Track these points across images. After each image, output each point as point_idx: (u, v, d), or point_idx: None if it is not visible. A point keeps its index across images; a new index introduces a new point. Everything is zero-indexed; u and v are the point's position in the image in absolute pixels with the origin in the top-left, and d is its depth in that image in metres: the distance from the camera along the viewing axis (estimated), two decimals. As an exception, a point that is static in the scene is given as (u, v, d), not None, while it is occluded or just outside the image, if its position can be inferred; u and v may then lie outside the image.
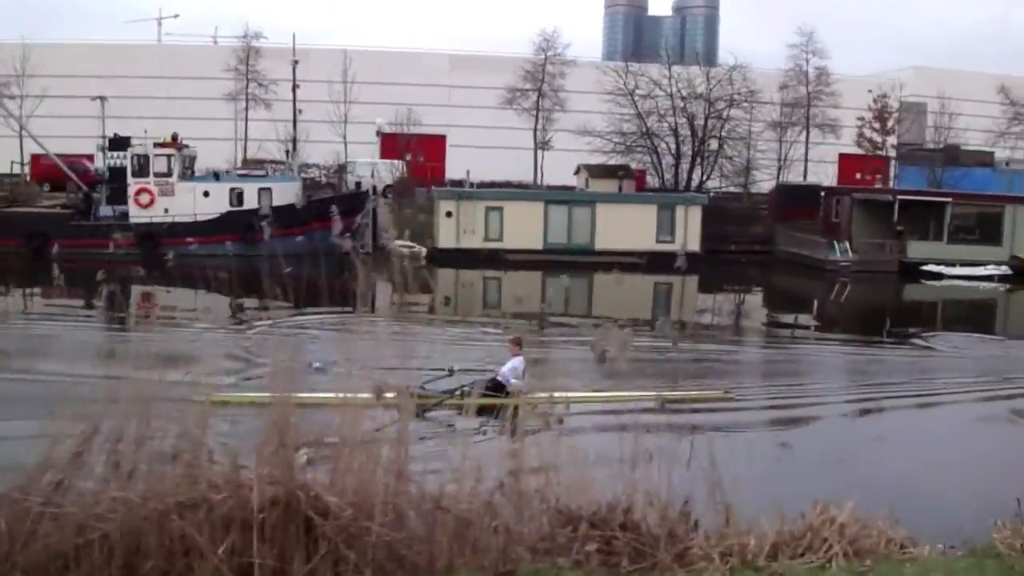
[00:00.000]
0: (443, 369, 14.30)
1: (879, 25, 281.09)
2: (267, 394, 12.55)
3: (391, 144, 63.61)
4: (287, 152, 48.73)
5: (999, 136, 58.73)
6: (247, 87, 51.51)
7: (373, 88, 63.43)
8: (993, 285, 40.27)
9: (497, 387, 13.46)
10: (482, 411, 11.71)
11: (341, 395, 12.35)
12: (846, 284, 39.33)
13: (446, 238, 40.14)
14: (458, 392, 13.23)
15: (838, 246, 40.69)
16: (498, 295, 37.16)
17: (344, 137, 48.87)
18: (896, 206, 41.75)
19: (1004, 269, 40.98)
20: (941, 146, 66.56)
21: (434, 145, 64.26)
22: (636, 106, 47.46)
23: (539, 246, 40.16)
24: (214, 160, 47.61)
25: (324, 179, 48.29)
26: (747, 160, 48.97)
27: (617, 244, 40.13)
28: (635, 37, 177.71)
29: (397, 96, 63.81)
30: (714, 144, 47.84)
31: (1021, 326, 31.30)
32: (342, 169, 48.38)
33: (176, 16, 70.36)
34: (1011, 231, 42.79)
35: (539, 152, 51.45)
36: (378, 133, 51.06)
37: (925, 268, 40.72)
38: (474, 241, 39.96)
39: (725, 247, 46.82)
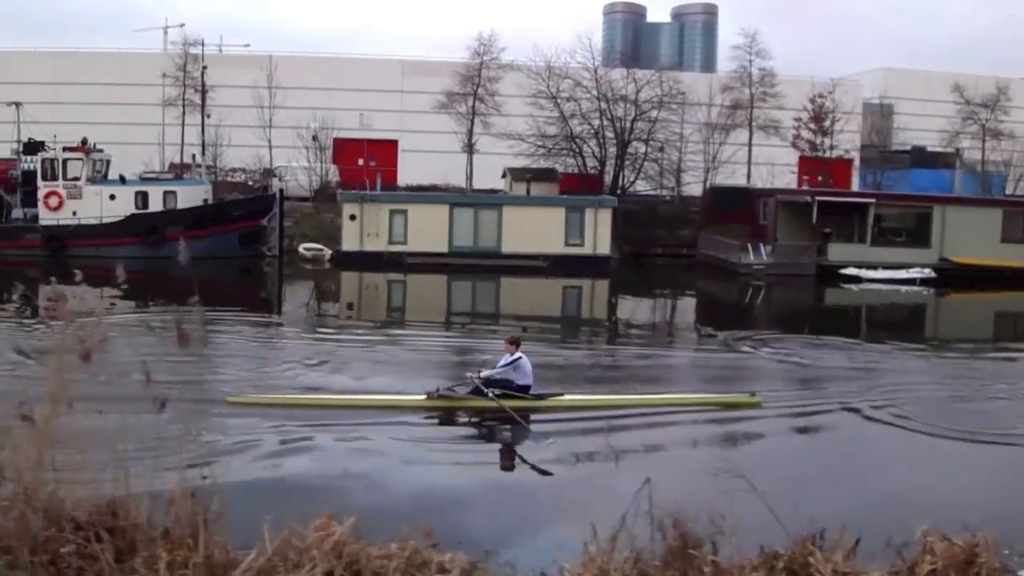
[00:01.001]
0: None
1: (883, 29, 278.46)
2: (285, 396, 13.72)
3: (345, 149, 63.68)
4: (212, 157, 48.43)
5: (954, 135, 57.16)
6: (183, 93, 51.12)
7: (327, 94, 63.32)
8: (916, 289, 38.85)
9: (505, 385, 13.92)
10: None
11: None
12: (760, 288, 38.14)
13: (350, 241, 39.39)
14: (489, 394, 13.68)
15: (751, 249, 39.41)
16: (402, 299, 36.42)
17: (269, 142, 48.24)
18: (815, 208, 40.41)
19: (928, 272, 39.52)
20: (907, 148, 65.64)
21: (386, 149, 64.18)
22: (559, 108, 46.50)
23: (444, 249, 39.31)
24: (142, 166, 47.36)
25: (252, 183, 47.69)
26: (677, 162, 47.85)
27: (524, 247, 39.31)
28: (633, 44, 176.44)
29: (351, 102, 63.75)
30: (641, 147, 46.69)
31: (904, 331, 29.82)
32: (268, 173, 47.80)
33: (182, 25, 70.68)
34: (941, 232, 41.30)
35: (473, 156, 50.61)
36: (314, 138, 50.38)
37: (844, 271, 39.38)
38: (378, 244, 39.17)
39: (652, 250, 45.97)
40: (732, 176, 52.61)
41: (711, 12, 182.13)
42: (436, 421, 13.84)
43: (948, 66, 60.02)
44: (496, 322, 28.92)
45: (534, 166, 46.68)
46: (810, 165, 62.93)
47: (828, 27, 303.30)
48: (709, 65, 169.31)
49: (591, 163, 46.76)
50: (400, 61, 66.58)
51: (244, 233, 39.91)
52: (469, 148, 48.15)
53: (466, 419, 13.95)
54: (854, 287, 38.64)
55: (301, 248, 40.92)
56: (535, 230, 39.40)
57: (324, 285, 37.66)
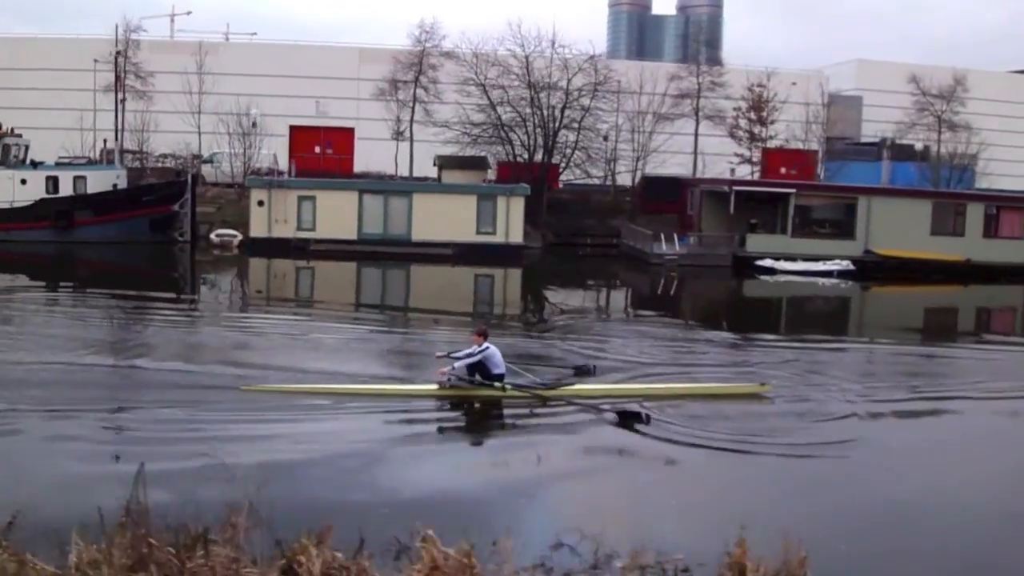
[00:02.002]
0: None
1: (897, 27, 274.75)
2: (300, 385, 14.27)
3: (301, 137, 63.32)
4: (139, 143, 48.24)
5: (909, 127, 55.76)
6: (124, 78, 50.83)
7: (284, 81, 63.03)
8: (834, 281, 37.76)
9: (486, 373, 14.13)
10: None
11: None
12: (667, 279, 37.17)
13: (258, 227, 38.93)
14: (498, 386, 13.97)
15: (663, 240, 38.51)
16: (310, 286, 35.94)
17: (198, 128, 47.87)
18: (732, 197, 39.42)
19: (846, 264, 38.40)
20: (876, 140, 64.26)
21: (342, 137, 63.73)
22: (487, 96, 45.70)
23: (353, 236, 38.77)
24: (75, 152, 47.20)
25: (183, 169, 47.29)
26: (610, 151, 46.95)
27: (435, 235, 38.71)
28: (639, 36, 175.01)
29: (307, 89, 63.43)
30: (571, 135, 45.80)
31: (758, 322, 28.87)
32: (196, 159, 47.46)
33: (189, 13, 70.54)
34: (866, 224, 40.16)
35: (413, 144, 49.90)
36: (253, 124, 49.92)
37: (759, 263, 38.37)
38: (286, 230, 38.70)
39: (580, 240, 45.21)
40: (682, 166, 51.67)
41: (716, 4, 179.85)
42: (449, 409, 14.25)
43: (952, 61, 58.36)
44: (405, 310, 28.83)
45: (464, 154, 45.93)
46: (779, 158, 62.03)
47: (840, 24, 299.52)
48: (714, 58, 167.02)
49: (521, 152, 45.81)
50: (358, 48, 66.13)
51: (155, 218, 39.58)
52: (398, 135, 47.43)
53: (477, 407, 14.27)
54: (768, 279, 37.63)
55: (212, 235, 40.51)
56: (446, 218, 38.77)
57: (222, 272, 37.25)
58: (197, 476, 9.56)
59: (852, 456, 12.55)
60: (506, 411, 14.26)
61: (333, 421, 13.26)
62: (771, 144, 49.56)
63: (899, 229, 40.00)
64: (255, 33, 76.92)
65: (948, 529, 10.16)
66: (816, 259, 38.81)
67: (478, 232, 39.09)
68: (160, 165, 47.12)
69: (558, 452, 12.51)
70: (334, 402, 13.83)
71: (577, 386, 14.74)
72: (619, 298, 35.24)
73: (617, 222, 45.28)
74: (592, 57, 45.85)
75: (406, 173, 49.40)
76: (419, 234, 38.76)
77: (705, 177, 44.71)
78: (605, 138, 50.44)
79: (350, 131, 62.66)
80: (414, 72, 50.09)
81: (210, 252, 39.81)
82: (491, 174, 46.38)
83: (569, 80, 45.57)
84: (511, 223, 39.16)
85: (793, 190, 40.21)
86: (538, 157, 45.60)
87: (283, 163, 55.59)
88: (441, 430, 13.76)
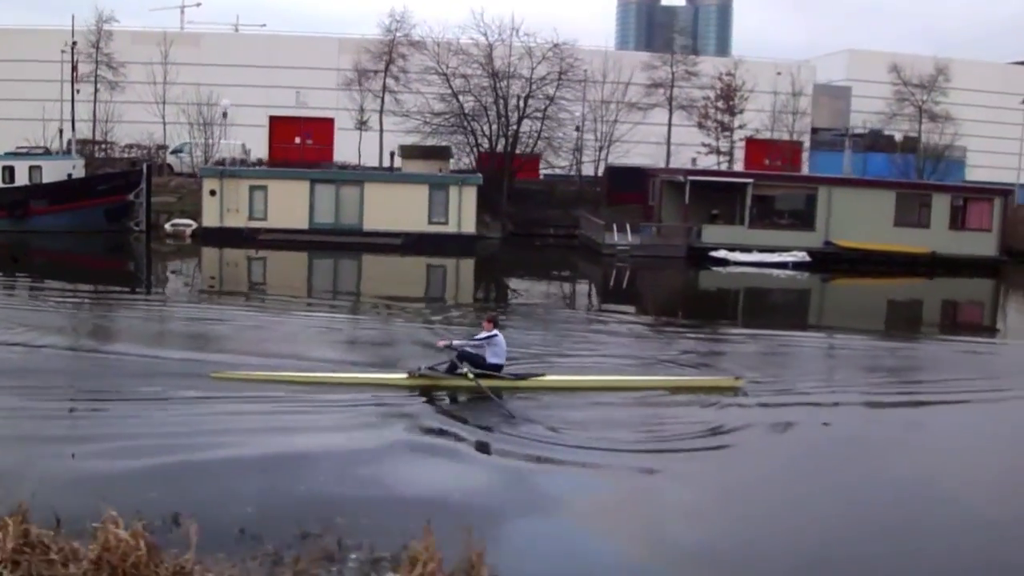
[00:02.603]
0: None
1: (915, 19, 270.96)
2: (271, 373, 14.26)
3: (281, 128, 63.27)
4: (103, 133, 48.27)
5: (890, 117, 54.73)
6: (77, 69, 50.86)
7: (263, 71, 62.90)
8: (790, 273, 37.08)
9: (476, 361, 13.94)
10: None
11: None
12: (620, 270, 36.69)
13: (210, 217, 38.78)
14: (463, 373, 13.78)
15: (616, 230, 38.01)
16: (263, 275, 35.80)
17: (163, 117, 47.80)
18: (687, 187, 38.83)
19: (801, 256, 37.72)
20: (865, 130, 63.21)
21: (322, 128, 63.58)
22: (450, 84, 45.28)
23: (304, 226, 38.58)
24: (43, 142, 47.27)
25: (150, 159, 47.27)
26: (575, 141, 46.45)
27: (387, 225, 38.44)
28: (648, 28, 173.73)
29: (288, 79, 63.23)
30: (535, 125, 45.31)
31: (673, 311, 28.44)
32: (160, 149, 47.43)
33: (199, 4, 70.44)
34: (827, 215, 39.45)
35: (383, 134, 49.54)
36: (224, 114, 49.81)
37: (713, 254, 37.79)
38: (238, 220, 38.53)
39: (543, 231, 44.79)
40: (653, 157, 51.00)
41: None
42: (417, 399, 13.96)
43: (965, 54, 57.47)
44: (356, 298, 28.76)
45: (428, 144, 45.57)
46: (762, 148, 61.22)
47: (852, 17, 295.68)
48: (723, 49, 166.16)
49: (483, 142, 45.40)
50: (338, 39, 65.77)
51: (110, 208, 39.58)
52: (361, 125, 47.15)
53: (444, 398, 14.01)
54: (721, 270, 37.06)
55: (167, 225, 40.47)
56: (397, 208, 38.49)
57: (173, 261, 37.18)
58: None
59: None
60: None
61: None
62: (740, 134, 48.73)
63: (861, 220, 39.28)
64: (264, 24, 76.83)
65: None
66: (775, 250, 38.19)
67: (430, 222, 38.77)
68: (126, 156, 47.03)
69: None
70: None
71: (547, 377, 14.64)
72: (555, 289, 34.51)
73: (580, 212, 44.79)
74: (556, 45, 45.23)
75: (375, 163, 49.17)
76: (370, 224, 38.50)
77: (665, 167, 44.03)
78: (578, 128, 49.98)
79: (329, 121, 62.84)
80: (384, 61, 49.76)
81: (164, 241, 39.76)
82: (465, 164, 46.13)
83: (533, 69, 45.03)
84: (463, 213, 38.81)
85: (750, 180, 39.55)
86: (501, 147, 45.08)
87: (263, 153, 55.96)
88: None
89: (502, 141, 45.13)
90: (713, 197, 40.04)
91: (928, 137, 52.26)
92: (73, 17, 42.82)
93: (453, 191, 38.82)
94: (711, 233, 38.77)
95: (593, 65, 47.81)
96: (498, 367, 14.00)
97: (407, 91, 49.51)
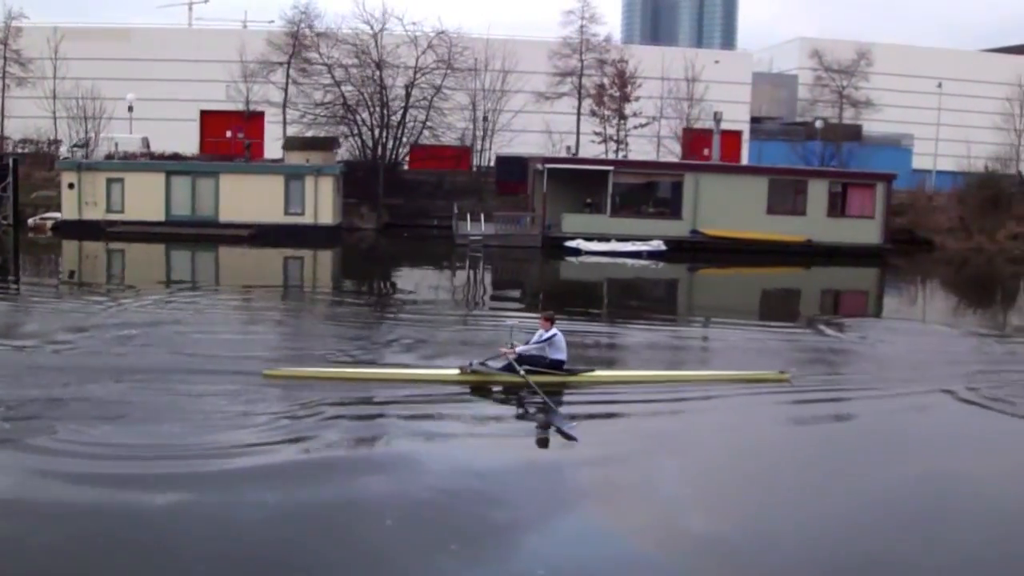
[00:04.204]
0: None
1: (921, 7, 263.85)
2: (326, 369, 14.11)
3: (212, 122, 63.41)
4: None
5: (811, 104, 53.13)
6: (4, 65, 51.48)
7: (191, 66, 63.02)
8: (643, 263, 35.98)
9: (537, 362, 13.93)
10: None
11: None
12: (475, 260, 35.90)
13: (69, 210, 38.72)
14: (520, 372, 13.63)
15: (469, 220, 37.27)
16: (122, 268, 35.65)
17: (54, 113, 48.09)
18: (544, 176, 37.90)
19: (656, 245, 36.61)
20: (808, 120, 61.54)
21: (254, 122, 63.65)
22: (332, 75, 44.83)
23: (161, 218, 38.41)
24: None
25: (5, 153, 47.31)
26: (464, 132, 45.78)
27: (242, 216, 38.11)
28: (653, 21, 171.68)
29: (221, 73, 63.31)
30: (420, 115, 44.71)
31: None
32: (55, 144, 47.69)
33: (207, 0, 71.00)
34: (693, 203, 38.26)
35: (285, 127, 49.37)
36: (129, 108, 49.98)
37: (567, 243, 36.85)
38: (97, 213, 38.46)
39: (425, 222, 44.15)
40: (549, 147, 49.94)
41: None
42: (468, 395, 13.88)
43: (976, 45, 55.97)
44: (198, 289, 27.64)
45: (319, 135, 45.20)
46: (697, 137, 59.95)
47: (859, 8, 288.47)
48: (729, 41, 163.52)
49: (366, 133, 44.91)
50: (267, 31, 65.67)
51: (-27, 201, 39.84)
52: (250, 117, 46.96)
53: (500, 395, 13.94)
54: (573, 260, 36.09)
55: (31, 220, 40.57)
56: (253, 199, 38.15)
57: (32, 255, 37.08)
58: None
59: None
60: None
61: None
62: (634, 121, 47.47)
63: (731, 208, 38.06)
64: (272, 21, 77.32)
65: None
66: (639, 240, 37.16)
67: (286, 213, 38.37)
68: (21, 151, 47.30)
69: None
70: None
71: (598, 372, 14.80)
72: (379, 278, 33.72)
73: (468, 202, 44.06)
74: (440, 33, 44.58)
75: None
76: (226, 215, 38.21)
77: (541, 156, 43.00)
78: (486, 118, 49.33)
79: (260, 115, 62.81)
80: (287, 53, 49.56)
81: (26, 235, 39.82)
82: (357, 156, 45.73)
83: (417, 58, 44.43)
84: (320, 203, 38.33)
85: (611, 167, 38.49)
86: (385, 139, 44.57)
87: (194, 148, 56.00)
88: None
89: (385, 131, 44.50)
90: (587, 186, 39.11)
91: (870, 126, 50.51)
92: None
93: (309, 182, 38.36)
94: (571, 222, 37.82)
95: (494, 54, 47.05)
96: (559, 364, 14.11)
97: (308, 83, 49.31)
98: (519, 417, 13.16)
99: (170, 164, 40.13)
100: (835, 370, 17.13)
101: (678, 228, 38.08)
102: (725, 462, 11.47)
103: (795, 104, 66.76)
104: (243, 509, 8.94)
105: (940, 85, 50.85)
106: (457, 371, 13.99)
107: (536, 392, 13.09)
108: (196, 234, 37.23)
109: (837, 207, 39.34)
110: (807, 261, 38.12)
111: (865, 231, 39.21)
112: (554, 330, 14.16)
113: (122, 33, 61.66)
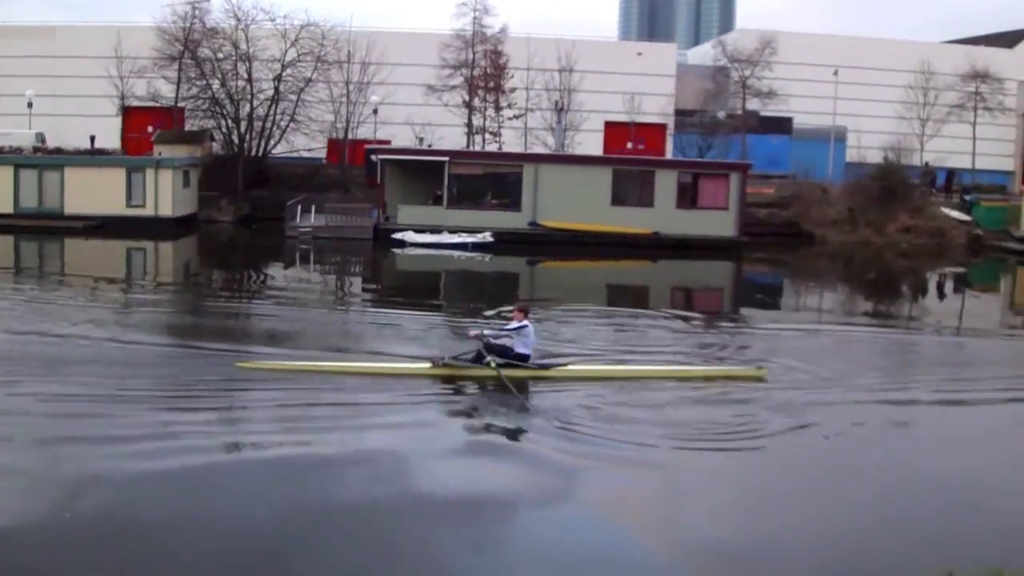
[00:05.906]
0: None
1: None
2: (301, 362, 14.61)
3: (135, 119, 64.07)
4: None
5: (715, 95, 52.13)
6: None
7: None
8: (468, 255, 35.42)
9: (503, 352, 13.97)
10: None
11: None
12: (306, 252, 35.75)
13: (-79, 203, 39.38)
14: (487, 362, 13.81)
15: (300, 212, 37.11)
16: None
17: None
18: (379, 168, 37.59)
19: (482, 237, 36.06)
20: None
21: (170, 118, 64.21)
22: (200, 68, 44.98)
23: (11, 211, 38.81)
24: None
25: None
26: (330, 125, 45.65)
27: (87, 208, 38.32)
28: (650, 17, 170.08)
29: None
30: (288, 107, 44.67)
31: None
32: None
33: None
34: (533, 194, 37.67)
35: (185, 123, 49.69)
36: (29, 104, 50.69)
37: (395, 236, 36.50)
38: (-53, 206, 39.03)
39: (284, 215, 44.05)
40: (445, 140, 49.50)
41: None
42: (440, 389, 14.02)
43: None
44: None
45: (173, 130, 45.55)
46: (619, 130, 59.19)
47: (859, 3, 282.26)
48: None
49: (232, 126, 44.97)
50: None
51: None
52: (122, 111, 47.34)
53: (472, 389, 14.02)
54: (399, 252, 35.73)
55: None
56: (96, 191, 38.37)
57: None
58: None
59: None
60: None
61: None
62: (509, 113, 46.92)
63: (572, 199, 37.41)
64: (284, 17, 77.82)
65: None
66: (474, 231, 36.69)
67: (128, 205, 38.54)
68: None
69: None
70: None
71: (571, 367, 14.71)
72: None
73: (337, 195, 43.92)
74: (305, 26, 44.49)
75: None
76: (71, 207, 38.47)
77: (387, 147, 42.70)
78: (376, 111, 49.07)
79: (181, 111, 63.29)
80: (179, 48, 49.83)
81: None
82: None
83: (285, 51, 44.41)
84: (160, 196, 38.44)
85: (446, 158, 38.02)
86: (249, 132, 44.60)
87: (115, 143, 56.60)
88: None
89: (250, 125, 44.55)
90: (439, 179, 38.71)
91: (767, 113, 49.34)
92: None
93: (150, 174, 38.50)
94: (406, 214, 37.48)
95: (373, 46, 46.85)
96: (525, 357, 13.98)
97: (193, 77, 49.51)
98: (488, 412, 12.89)
99: (18, 157, 40.54)
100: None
101: (517, 220, 37.53)
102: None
103: (728, 96, 65.70)
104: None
105: (836, 73, 49.55)
106: (429, 364, 14.10)
107: (508, 387, 13.02)
108: (42, 226, 37.59)
109: (687, 198, 38.47)
110: (655, 254, 37.34)
111: (717, 223, 38.27)
112: (525, 322, 14.06)
113: (47, 31, 62.62)
